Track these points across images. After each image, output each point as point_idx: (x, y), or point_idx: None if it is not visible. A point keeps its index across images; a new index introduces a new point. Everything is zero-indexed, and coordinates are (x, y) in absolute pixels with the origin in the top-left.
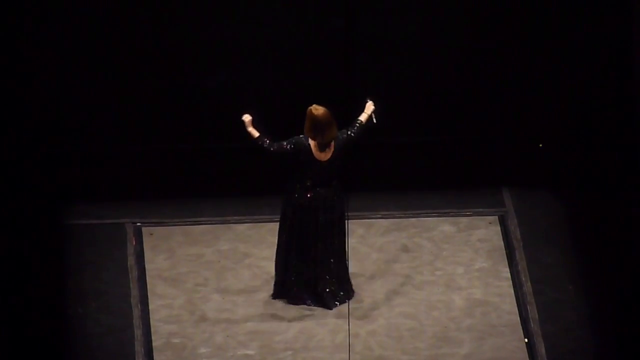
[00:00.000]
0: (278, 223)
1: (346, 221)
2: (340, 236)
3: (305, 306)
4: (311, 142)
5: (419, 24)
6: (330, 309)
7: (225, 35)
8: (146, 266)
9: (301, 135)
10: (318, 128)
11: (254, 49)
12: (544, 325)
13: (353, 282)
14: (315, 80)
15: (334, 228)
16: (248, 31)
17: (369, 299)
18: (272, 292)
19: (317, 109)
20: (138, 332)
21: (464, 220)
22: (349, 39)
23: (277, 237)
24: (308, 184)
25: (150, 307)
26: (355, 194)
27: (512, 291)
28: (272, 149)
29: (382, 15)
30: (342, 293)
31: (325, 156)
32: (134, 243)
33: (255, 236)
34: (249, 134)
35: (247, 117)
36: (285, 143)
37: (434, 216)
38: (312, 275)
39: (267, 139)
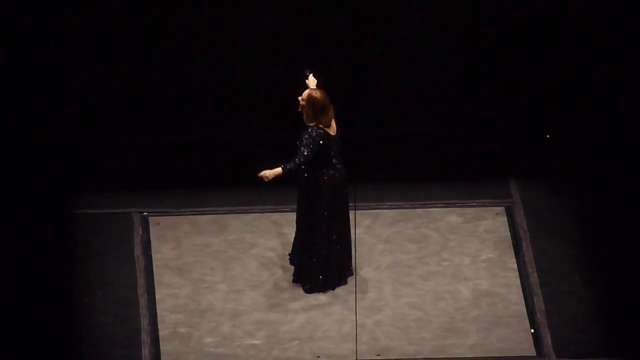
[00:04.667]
0: (287, 213)
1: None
2: (347, 210)
3: (311, 296)
4: (321, 126)
5: (427, 14)
6: (346, 283)
7: (232, 26)
8: (153, 256)
9: (312, 128)
10: (325, 108)
11: (261, 42)
12: (550, 316)
13: (360, 272)
14: (323, 74)
15: (347, 203)
16: (255, 24)
17: (375, 290)
18: (292, 277)
19: (316, 92)
20: (144, 322)
21: (470, 211)
22: (355, 30)
23: (295, 228)
24: (334, 161)
25: (157, 296)
26: (361, 185)
27: (519, 282)
28: (303, 161)
29: (389, 6)
30: (350, 267)
31: (334, 130)
32: (141, 232)
33: (262, 226)
34: (277, 176)
35: (265, 175)
36: (310, 146)
37: (441, 207)
38: (335, 255)
39: (289, 164)
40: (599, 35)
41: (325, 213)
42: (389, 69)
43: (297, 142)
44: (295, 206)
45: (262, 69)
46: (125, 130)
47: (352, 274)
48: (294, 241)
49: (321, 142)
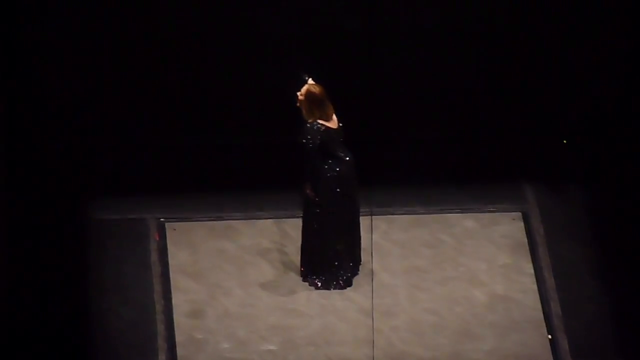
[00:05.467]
0: (301, 218)
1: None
2: (356, 201)
3: (327, 301)
4: (319, 120)
5: (440, 19)
6: (357, 273)
7: (246, 33)
8: (169, 261)
9: (310, 124)
10: (323, 102)
11: (275, 48)
12: (567, 321)
13: (376, 277)
14: (337, 78)
15: (356, 194)
16: (268, 30)
17: (392, 295)
18: (307, 279)
19: (315, 87)
20: (161, 327)
21: (486, 216)
22: (369, 36)
23: (304, 230)
24: (340, 154)
25: (173, 301)
26: (377, 190)
27: (535, 287)
28: (312, 160)
29: (403, 12)
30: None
31: (335, 124)
32: (157, 238)
33: (278, 231)
34: (310, 188)
35: (314, 199)
36: (310, 145)
37: (457, 212)
38: (352, 247)
39: (305, 175)
40: (615, 39)
41: (339, 206)
42: (404, 74)
43: (299, 140)
44: None
45: (277, 74)
46: (142, 135)
47: (360, 262)
48: (303, 244)
49: (319, 136)
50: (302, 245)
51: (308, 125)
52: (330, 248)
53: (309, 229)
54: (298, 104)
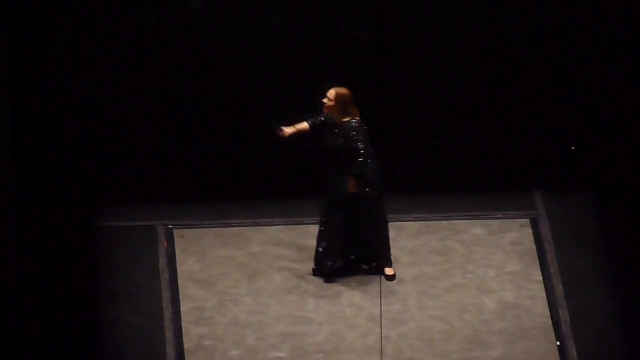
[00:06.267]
0: (311, 226)
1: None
2: None
3: (336, 308)
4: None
5: (450, 27)
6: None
7: (258, 42)
8: (177, 268)
9: (352, 122)
10: (353, 101)
11: (286, 56)
12: (576, 328)
13: (383, 285)
14: (346, 86)
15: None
16: (279, 39)
17: (400, 302)
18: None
19: (341, 88)
20: (169, 334)
21: (495, 223)
22: (380, 43)
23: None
24: (371, 150)
25: (182, 309)
26: (386, 197)
27: (544, 294)
28: (368, 157)
29: (413, 20)
30: None
31: None
32: (165, 245)
33: (287, 238)
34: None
35: (353, 188)
36: (366, 139)
37: (465, 219)
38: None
39: (359, 171)
40: (624, 48)
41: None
42: (413, 81)
43: (344, 142)
44: (321, 217)
45: (287, 82)
46: (150, 143)
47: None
48: (327, 239)
49: (366, 133)
50: (350, 241)
51: (351, 125)
52: (386, 233)
53: (363, 223)
54: (326, 110)
